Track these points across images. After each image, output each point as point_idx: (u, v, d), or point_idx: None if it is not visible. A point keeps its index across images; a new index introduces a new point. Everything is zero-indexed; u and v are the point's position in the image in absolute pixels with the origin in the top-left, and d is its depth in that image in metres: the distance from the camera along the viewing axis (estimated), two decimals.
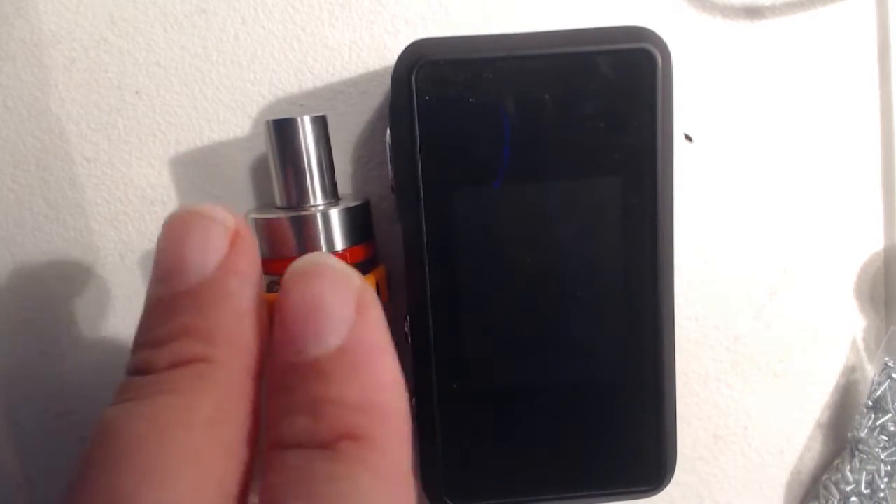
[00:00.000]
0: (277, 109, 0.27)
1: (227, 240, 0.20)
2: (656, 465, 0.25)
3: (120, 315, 0.28)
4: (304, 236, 0.23)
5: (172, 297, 0.19)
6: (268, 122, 0.23)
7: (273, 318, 0.20)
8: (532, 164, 0.23)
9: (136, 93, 0.27)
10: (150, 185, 0.27)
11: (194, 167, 0.27)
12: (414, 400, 0.24)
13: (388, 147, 0.23)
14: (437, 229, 0.23)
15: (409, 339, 0.24)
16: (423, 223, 0.23)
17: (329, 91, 0.27)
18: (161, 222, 0.27)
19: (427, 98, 0.22)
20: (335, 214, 0.23)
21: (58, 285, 0.27)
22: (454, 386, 0.24)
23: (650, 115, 0.22)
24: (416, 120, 0.22)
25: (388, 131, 0.23)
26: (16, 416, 0.28)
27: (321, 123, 0.24)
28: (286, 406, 0.18)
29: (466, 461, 0.24)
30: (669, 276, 0.24)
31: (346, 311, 0.18)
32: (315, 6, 0.26)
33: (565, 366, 0.24)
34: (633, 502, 0.26)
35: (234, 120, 0.27)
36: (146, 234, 0.27)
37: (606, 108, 0.22)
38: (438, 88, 0.22)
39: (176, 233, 0.20)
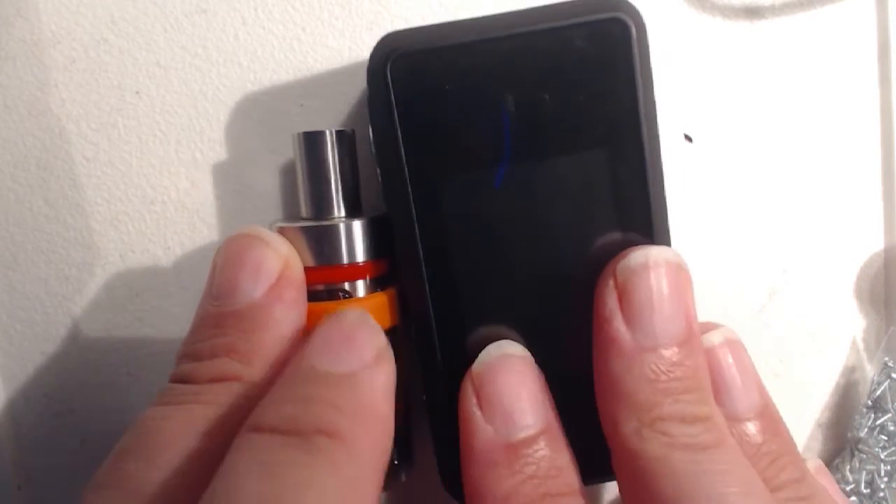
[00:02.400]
0: (277, 109, 0.27)
1: (279, 267, 0.21)
2: None
3: (120, 315, 0.28)
4: (327, 247, 0.23)
5: (220, 315, 0.21)
6: (296, 134, 0.24)
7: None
8: (516, 144, 0.22)
9: (136, 93, 0.27)
10: (150, 185, 0.27)
11: (194, 167, 0.27)
12: (425, 396, 0.24)
13: (371, 144, 0.23)
14: (428, 220, 0.23)
15: (414, 336, 0.24)
16: (414, 216, 0.22)
17: (329, 91, 0.27)
18: (161, 222, 0.27)
19: (403, 90, 0.22)
20: (358, 226, 0.23)
21: (58, 285, 0.27)
22: (459, 373, 0.23)
23: (630, 85, 0.22)
24: (396, 113, 0.22)
25: (370, 129, 0.23)
26: (16, 416, 0.28)
27: (349, 137, 0.24)
28: (279, 397, 0.19)
29: None
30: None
31: (368, 354, 0.20)
32: (315, 6, 0.26)
33: (568, 352, 0.23)
34: None
35: (235, 120, 0.27)
36: (146, 234, 0.27)
37: (585, 81, 0.22)
38: (414, 79, 0.22)
39: (233, 253, 0.22)
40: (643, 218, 0.23)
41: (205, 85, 0.27)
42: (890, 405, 0.28)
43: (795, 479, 0.21)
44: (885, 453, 0.28)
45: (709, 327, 0.24)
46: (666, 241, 0.23)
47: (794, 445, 0.23)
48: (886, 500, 0.28)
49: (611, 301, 0.21)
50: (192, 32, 0.26)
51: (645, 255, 0.21)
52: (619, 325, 0.21)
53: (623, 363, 0.20)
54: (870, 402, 0.28)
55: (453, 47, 0.22)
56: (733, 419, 0.22)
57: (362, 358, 0.20)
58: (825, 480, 0.25)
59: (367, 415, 0.19)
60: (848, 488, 0.28)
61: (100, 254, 0.27)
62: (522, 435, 0.21)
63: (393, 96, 0.22)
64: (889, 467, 0.28)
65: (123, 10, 0.26)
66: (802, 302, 0.29)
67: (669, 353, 0.20)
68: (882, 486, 0.28)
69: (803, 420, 0.29)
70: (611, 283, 0.21)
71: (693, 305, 0.21)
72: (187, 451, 0.18)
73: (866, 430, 0.28)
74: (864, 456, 0.28)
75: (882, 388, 0.28)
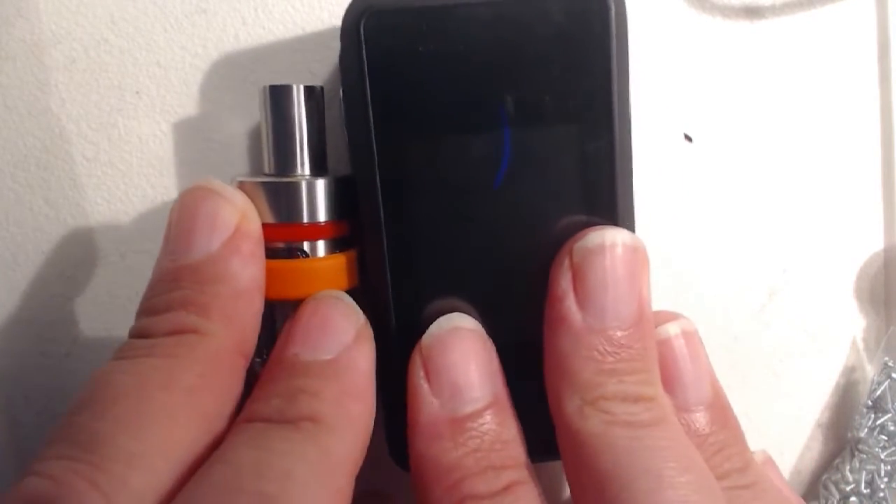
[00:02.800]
0: None
1: (235, 220, 0.21)
2: None
3: (120, 315, 0.28)
4: (287, 204, 0.23)
5: (176, 269, 0.21)
6: (263, 87, 0.23)
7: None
8: (485, 113, 0.22)
9: (136, 93, 0.27)
10: (150, 185, 0.27)
11: (195, 167, 0.27)
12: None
13: (341, 106, 0.23)
14: (391, 185, 0.22)
15: (370, 301, 0.23)
16: (378, 179, 0.22)
17: (329, 91, 0.27)
18: (161, 223, 0.27)
19: (376, 49, 0.22)
20: (321, 185, 0.23)
21: (58, 285, 0.27)
22: (413, 342, 0.23)
23: (605, 64, 0.22)
24: (366, 72, 0.22)
25: (341, 88, 0.23)
26: (16, 416, 0.28)
27: (317, 94, 0.24)
28: (266, 391, 0.20)
29: None
30: (629, 227, 0.23)
31: (348, 336, 0.21)
32: (315, 6, 0.26)
33: (526, 327, 0.23)
34: None
35: (235, 120, 0.27)
36: (146, 234, 0.27)
37: (560, 55, 0.22)
38: (387, 39, 0.22)
39: (188, 206, 0.21)
40: (608, 199, 0.23)
41: (205, 85, 0.27)
42: (890, 405, 0.28)
43: (738, 469, 0.22)
44: (886, 453, 0.28)
45: (668, 317, 0.24)
46: (629, 225, 0.23)
47: (742, 437, 0.23)
48: (886, 500, 0.28)
49: (564, 281, 0.21)
50: (192, 32, 0.26)
51: (601, 237, 0.21)
52: (570, 305, 0.21)
53: (571, 342, 0.21)
54: (870, 402, 0.28)
55: (431, 9, 0.21)
56: (683, 409, 0.22)
57: (342, 341, 0.21)
58: (772, 472, 0.25)
59: (350, 398, 0.20)
60: (848, 488, 0.28)
61: (100, 254, 0.27)
62: (468, 409, 0.21)
63: (365, 55, 0.22)
64: (889, 467, 0.28)
65: (123, 10, 0.26)
66: (802, 302, 0.29)
67: (618, 335, 0.20)
68: (882, 486, 0.28)
69: (803, 420, 0.29)
70: (566, 262, 0.21)
71: (647, 289, 0.21)
72: (140, 404, 0.18)
73: (866, 430, 0.28)
74: (864, 456, 0.28)
75: (882, 388, 0.28)
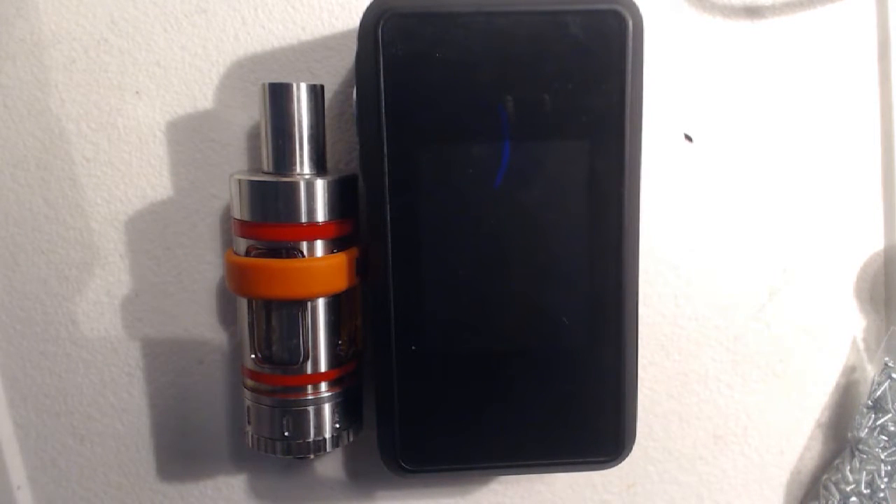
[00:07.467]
0: None
1: None
2: (614, 436, 0.24)
3: (120, 315, 0.28)
4: (286, 204, 0.23)
5: None
6: (263, 84, 0.23)
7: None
8: (497, 123, 0.22)
9: (136, 93, 0.27)
10: (150, 185, 0.27)
11: (194, 167, 0.27)
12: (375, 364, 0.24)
13: (353, 105, 0.23)
14: (400, 186, 0.22)
15: (371, 302, 0.24)
16: (387, 180, 0.22)
17: (328, 91, 0.27)
18: (161, 222, 0.27)
19: (393, 51, 0.22)
20: (320, 185, 0.23)
21: (57, 285, 0.27)
22: (413, 348, 0.23)
23: (619, 80, 0.22)
24: (382, 73, 0.22)
25: (355, 90, 0.23)
26: (16, 416, 0.28)
27: (317, 92, 0.24)
28: None
29: (423, 427, 0.24)
30: (634, 243, 0.23)
31: None
32: (315, 6, 0.26)
33: (525, 332, 0.24)
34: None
35: (234, 120, 0.27)
36: (146, 234, 0.27)
37: (575, 69, 0.22)
38: (405, 42, 0.22)
39: None
40: (614, 214, 0.23)
41: (205, 85, 0.27)
42: (890, 405, 0.28)
43: None
44: (886, 453, 0.28)
45: None
46: (634, 239, 0.23)
47: None
48: (886, 500, 0.28)
49: None
50: (192, 32, 0.26)
51: None
52: None
53: None
54: (870, 402, 0.28)
55: (450, 15, 0.22)
56: None
57: None
58: None
59: None
60: (848, 488, 0.28)
61: (100, 254, 0.27)
62: None
63: (381, 56, 0.22)
64: (889, 467, 0.28)
65: (123, 10, 0.26)
66: (802, 302, 0.29)
67: None
68: (882, 486, 0.28)
69: (803, 420, 0.29)
70: None
71: None
72: None
73: (866, 430, 0.28)
74: (865, 456, 0.28)
75: (882, 388, 0.28)
